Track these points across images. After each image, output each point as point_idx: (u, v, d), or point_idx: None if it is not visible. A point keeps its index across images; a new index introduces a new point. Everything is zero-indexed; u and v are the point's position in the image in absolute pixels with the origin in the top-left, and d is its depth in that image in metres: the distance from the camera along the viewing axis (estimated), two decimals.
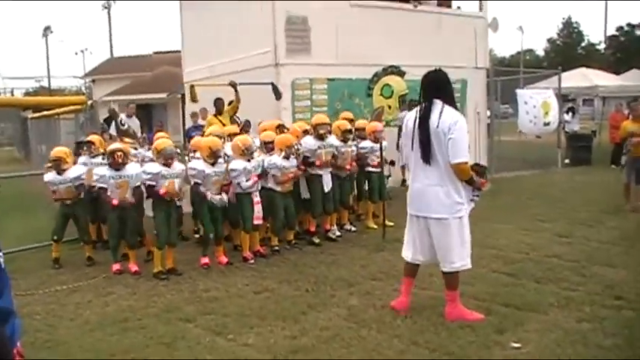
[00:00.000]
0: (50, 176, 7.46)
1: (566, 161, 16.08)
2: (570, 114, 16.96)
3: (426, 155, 4.72)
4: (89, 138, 8.51)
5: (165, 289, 6.19)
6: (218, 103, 10.34)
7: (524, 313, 4.99)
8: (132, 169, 7.01)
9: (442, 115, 4.69)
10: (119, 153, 6.91)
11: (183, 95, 23.42)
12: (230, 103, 10.16)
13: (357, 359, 4.22)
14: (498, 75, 15.53)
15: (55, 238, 7.50)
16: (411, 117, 4.95)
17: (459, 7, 14.69)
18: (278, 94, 10.65)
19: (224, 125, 9.47)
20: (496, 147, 14.76)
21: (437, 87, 4.89)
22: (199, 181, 6.91)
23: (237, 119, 10.38)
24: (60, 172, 7.38)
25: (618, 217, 8.85)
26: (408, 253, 5.20)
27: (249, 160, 7.09)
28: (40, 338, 4.90)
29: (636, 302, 5.14)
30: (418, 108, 4.88)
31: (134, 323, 5.19)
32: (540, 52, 70.22)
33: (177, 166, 6.98)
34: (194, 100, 11.20)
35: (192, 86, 11.37)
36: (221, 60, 12.72)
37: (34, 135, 22.21)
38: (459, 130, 4.64)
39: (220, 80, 10.79)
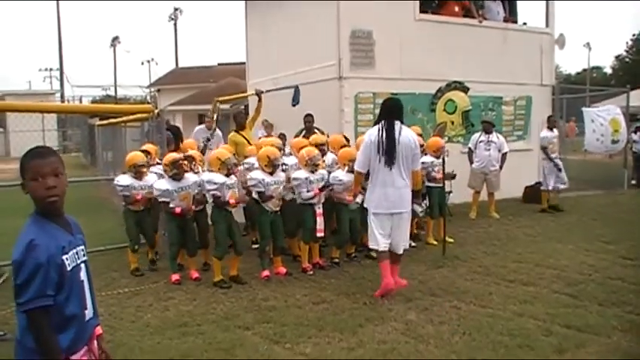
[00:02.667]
0: (127, 180, 7.40)
1: (633, 182, 15.65)
2: (638, 133, 16.50)
3: (392, 162, 6.01)
4: (144, 147, 8.43)
5: (224, 296, 6.30)
6: (239, 117, 9.89)
7: (585, 335, 4.92)
8: (192, 177, 7.15)
9: (407, 132, 6.17)
10: (185, 162, 7.09)
11: (246, 107, 23.86)
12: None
13: None
14: (564, 92, 15.25)
15: (136, 247, 7.49)
16: (373, 133, 6.12)
17: (524, 23, 14.51)
18: (296, 100, 10.43)
19: (248, 141, 9.26)
20: None
21: (398, 111, 6.22)
22: (261, 190, 6.96)
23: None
24: (140, 177, 7.42)
25: None
26: (386, 242, 6.18)
27: (312, 172, 7.17)
28: None
29: None
30: (383, 125, 6.10)
31: (193, 328, 5.32)
32: (608, 70, 68.59)
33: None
34: (213, 117, 11.22)
35: (216, 101, 11.42)
36: (285, 72, 12.89)
37: (100, 142, 22.84)
38: (419, 146, 6.31)
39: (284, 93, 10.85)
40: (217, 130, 10.47)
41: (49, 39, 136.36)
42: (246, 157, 8.44)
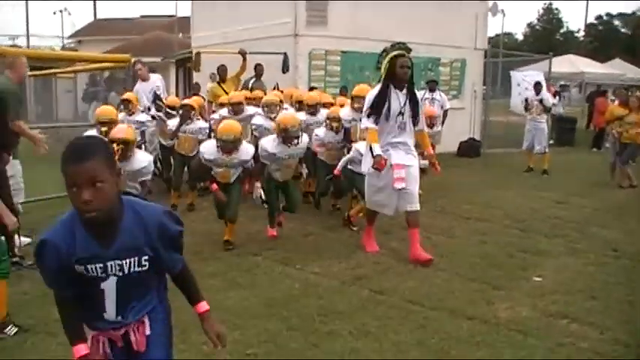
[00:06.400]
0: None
1: (551, 142, 17.13)
2: (557, 98, 17.99)
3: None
4: (126, 96, 8.65)
5: (220, 231, 6.63)
6: (221, 70, 10.60)
7: (539, 257, 6.00)
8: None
9: None
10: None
11: (177, 60, 23.94)
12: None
13: (412, 285, 5.14)
14: (493, 56, 16.46)
15: None
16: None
17: None
18: (286, 67, 11.29)
19: (227, 94, 9.63)
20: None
21: None
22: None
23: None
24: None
25: (606, 191, 9.93)
26: None
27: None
28: None
29: (630, 254, 6.18)
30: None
31: (208, 255, 5.93)
32: (519, 37, 71.50)
33: (241, 154, 6.14)
34: (197, 69, 11.57)
35: (197, 53, 11.80)
36: (235, 27, 13.36)
37: (32, 93, 22.51)
38: None
39: (233, 47, 11.26)
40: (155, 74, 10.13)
41: None
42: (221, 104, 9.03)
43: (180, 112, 8.08)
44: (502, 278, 5.30)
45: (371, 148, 5.70)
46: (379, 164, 5.60)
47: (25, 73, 6.53)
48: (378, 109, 5.74)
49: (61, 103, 20.17)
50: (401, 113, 5.77)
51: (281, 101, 8.39)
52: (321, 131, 7.58)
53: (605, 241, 6.68)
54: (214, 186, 6.16)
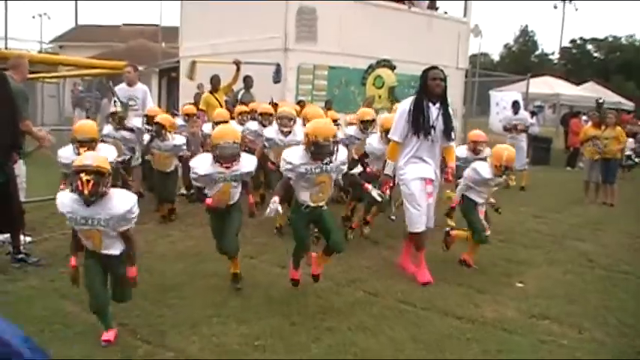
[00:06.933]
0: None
1: (527, 160, 17.64)
2: (534, 117, 18.54)
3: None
4: (115, 109, 8.44)
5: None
6: (214, 80, 10.66)
7: (521, 266, 6.39)
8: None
9: None
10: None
11: (161, 70, 24.14)
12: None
13: (403, 287, 5.47)
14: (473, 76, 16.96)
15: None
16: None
17: (446, 12, 16.06)
18: (278, 78, 11.62)
19: (220, 103, 9.96)
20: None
21: None
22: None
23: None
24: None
25: (581, 207, 10.41)
26: None
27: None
28: None
29: (605, 265, 6.60)
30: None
31: (207, 257, 6.15)
32: (495, 57, 72.76)
33: (243, 165, 5.19)
34: (192, 77, 11.71)
35: (193, 62, 11.99)
36: (225, 39, 13.61)
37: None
38: None
39: (223, 59, 11.42)
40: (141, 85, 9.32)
41: None
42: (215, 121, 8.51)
43: (154, 128, 7.78)
44: (487, 283, 5.67)
45: (384, 163, 5.84)
46: (384, 185, 5.71)
47: (27, 74, 6.80)
48: (410, 122, 5.65)
49: (47, 107, 20.26)
50: (432, 127, 5.62)
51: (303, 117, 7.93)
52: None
53: (581, 253, 7.10)
54: (208, 200, 5.25)
